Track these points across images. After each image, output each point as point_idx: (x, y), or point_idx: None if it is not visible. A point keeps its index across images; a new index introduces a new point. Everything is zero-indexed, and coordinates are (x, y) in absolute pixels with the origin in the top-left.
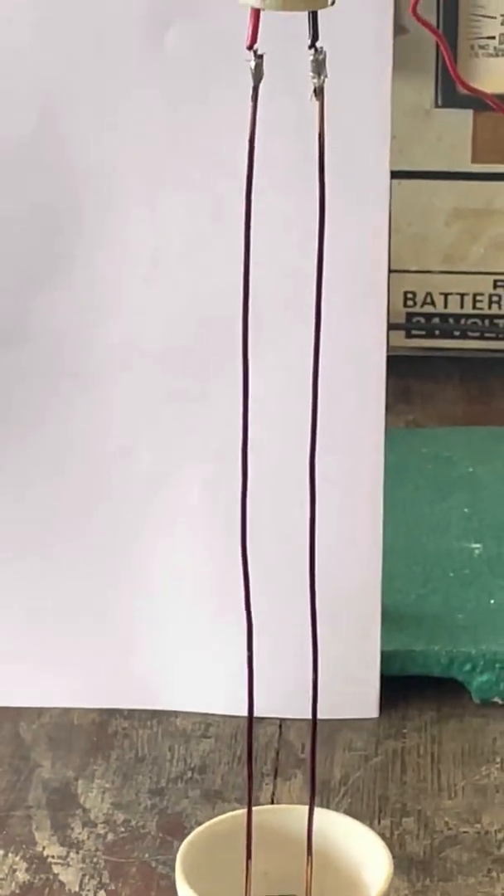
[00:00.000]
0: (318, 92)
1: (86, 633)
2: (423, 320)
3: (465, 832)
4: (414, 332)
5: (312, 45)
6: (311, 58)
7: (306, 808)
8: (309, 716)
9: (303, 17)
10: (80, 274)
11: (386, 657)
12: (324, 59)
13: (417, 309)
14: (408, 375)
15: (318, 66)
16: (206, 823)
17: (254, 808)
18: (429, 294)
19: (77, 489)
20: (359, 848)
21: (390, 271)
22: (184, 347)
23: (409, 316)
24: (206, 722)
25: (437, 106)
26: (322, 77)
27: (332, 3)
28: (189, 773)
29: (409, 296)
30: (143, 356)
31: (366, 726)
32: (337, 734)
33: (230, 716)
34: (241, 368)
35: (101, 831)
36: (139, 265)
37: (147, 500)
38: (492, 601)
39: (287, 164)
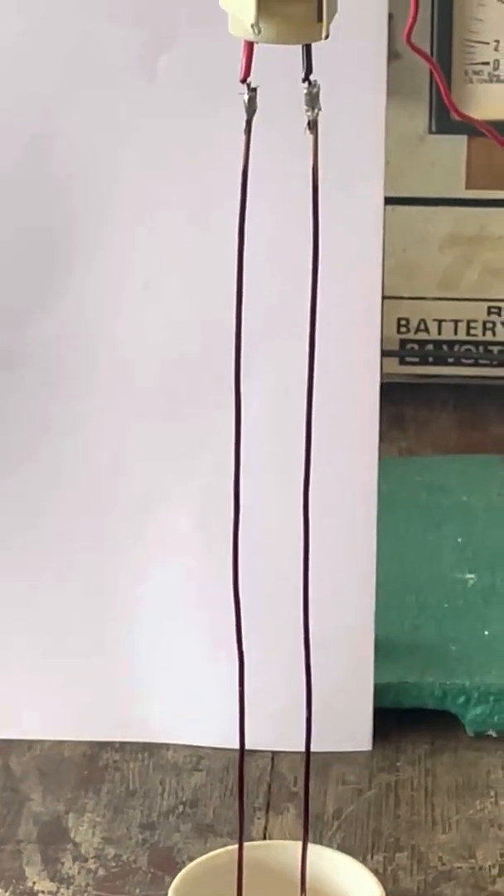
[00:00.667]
0: (312, 125)
1: (76, 665)
2: (416, 347)
3: (458, 867)
4: (408, 358)
5: (306, 79)
6: (305, 91)
7: (299, 844)
8: (302, 748)
9: (298, 48)
10: (74, 297)
11: (379, 689)
12: (317, 93)
13: (411, 336)
14: (402, 402)
15: (312, 100)
16: (199, 859)
17: (246, 844)
18: (423, 321)
19: (67, 515)
20: (352, 884)
21: (384, 298)
22: (177, 370)
23: (403, 343)
24: (198, 755)
25: (431, 132)
26: (316, 110)
27: (326, 36)
28: (180, 807)
29: (403, 322)
30: (135, 378)
31: (359, 759)
32: (330, 767)
33: (222, 748)
34: (233, 394)
35: (92, 866)
36: (133, 288)
37: (139, 526)
38: (486, 632)
39: (282, 188)
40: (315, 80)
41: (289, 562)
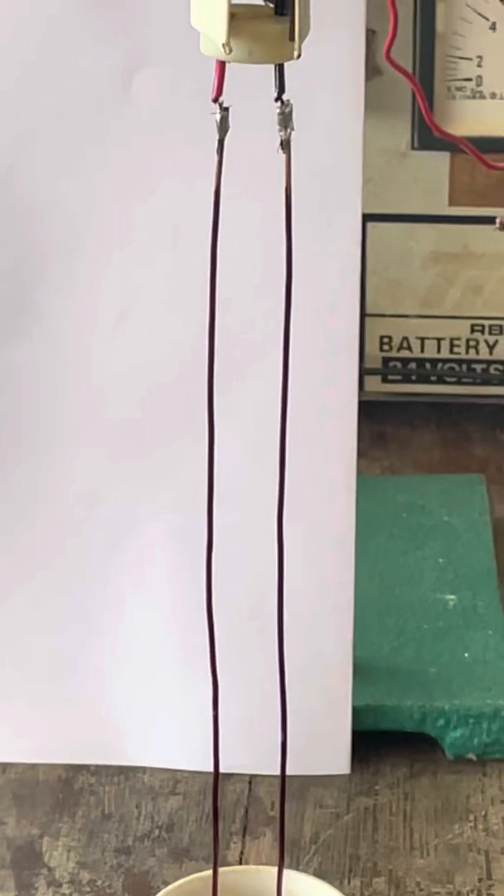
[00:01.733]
0: (285, 145)
1: (52, 688)
2: (399, 365)
3: (436, 892)
4: (390, 376)
5: (278, 98)
6: (278, 111)
7: (274, 868)
8: (278, 771)
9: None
10: (45, 326)
11: (358, 712)
12: (290, 112)
13: (394, 353)
14: (384, 421)
15: (285, 120)
16: (174, 884)
17: (221, 869)
18: (405, 339)
19: (42, 543)
20: None
21: (367, 315)
22: (150, 398)
23: (386, 360)
24: (175, 778)
25: (413, 148)
26: (288, 130)
27: (298, 55)
28: (156, 831)
29: (386, 340)
30: (108, 409)
31: (337, 783)
32: (307, 791)
33: (199, 772)
34: (207, 419)
35: (66, 891)
36: (107, 316)
37: (113, 553)
38: (466, 654)
39: (257, 210)
40: (288, 100)
41: (266, 585)
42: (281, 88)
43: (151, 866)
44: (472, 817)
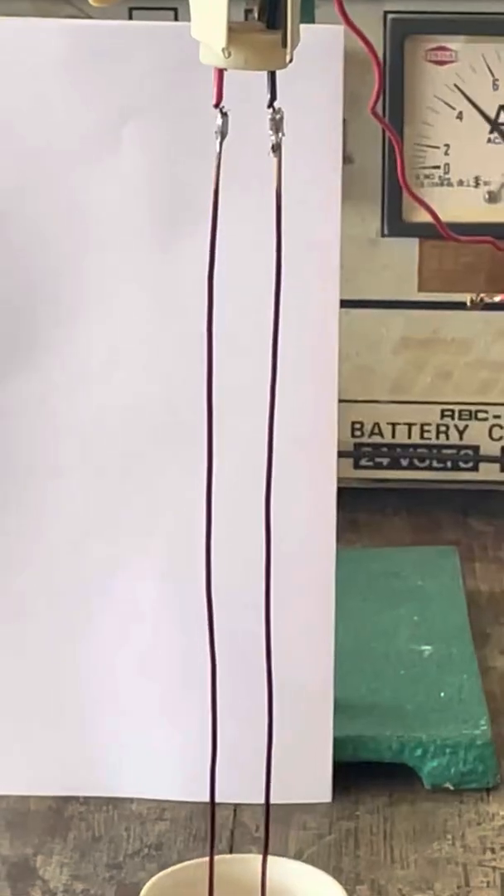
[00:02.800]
0: (276, 148)
1: (40, 721)
2: (371, 450)
3: None
4: (362, 462)
5: (270, 105)
6: (270, 117)
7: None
8: (263, 800)
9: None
10: (34, 368)
11: (338, 743)
12: (281, 118)
13: (365, 439)
14: (356, 509)
15: (276, 125)
16: (169, 869)
17: (216, 857)
18: (377, 424)
19: (30, 578)
20: (316, 891)
21: (339, 401)
22: (136, 440)
23: (357, 446)
24: (162, 807)
25: (383, 235)
26: (280, 134)
27: (290, 61)
28: (146, 850)
29: (357, 426)
30: (95, 448)
31: (319, 809)
32: (291, 816)
33: (186, 801)
34: (195, 462)
35: None
36: (94, 360)
37: (99, 592)
38: (442, 694)
39: (248, 260)
40: (279, 108)
41: (250, 627)
42: (273, 95)
43: (142, 878)
44: (449, 836)
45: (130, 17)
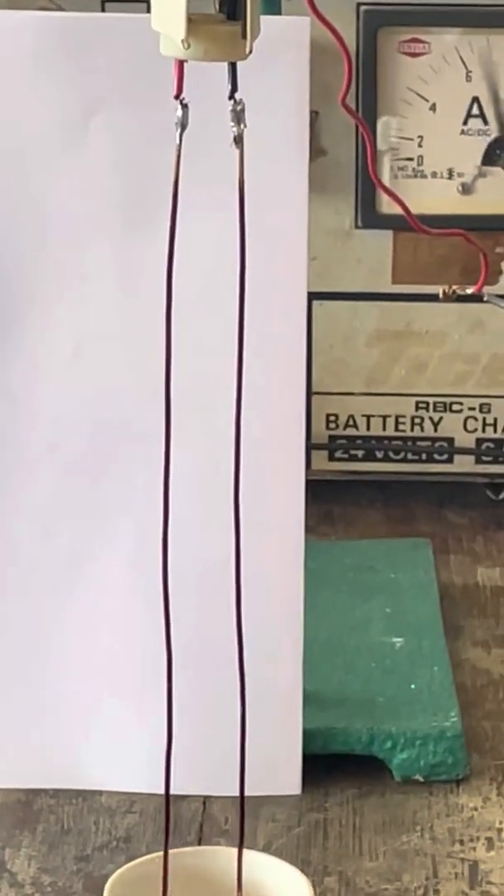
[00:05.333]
0: (238, 140)
1: (8, 714)
2: (345, 442)
3: (385, 889)
4: (337, 454)
5: (231, 97)
6: (231, 108)
7: (232, 849)
8: (233, 793)
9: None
10: (1, 359)
11: (307, 735)
12: (242, 110)
13: (340, 431)
14: (331, 500)
15: (237, 116)
16: (133, 862)
17: (181, 850)
18: (351, 416)
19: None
20: (283, 885)
21: (313, 394)
22: (102, 432)
23: (332, 438)
24: (131, 799)
25: (357, 227)
26: (241, 126)
27: (250, 52)
28: (114, 843)
29: (332, 418)
30: (62, 440)
31: (289, 801)
32: (260, 808)
33: (155, 794)
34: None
35: (29, 891)
36: (60, 353)
37: (68, 583)
38: (412, 686)
39: (215, 252)
40: (241, 99)
41: (219, 619)
42: (234, 87)
43: (110, 870)
44: (418, 828)
45: (103, 9)
